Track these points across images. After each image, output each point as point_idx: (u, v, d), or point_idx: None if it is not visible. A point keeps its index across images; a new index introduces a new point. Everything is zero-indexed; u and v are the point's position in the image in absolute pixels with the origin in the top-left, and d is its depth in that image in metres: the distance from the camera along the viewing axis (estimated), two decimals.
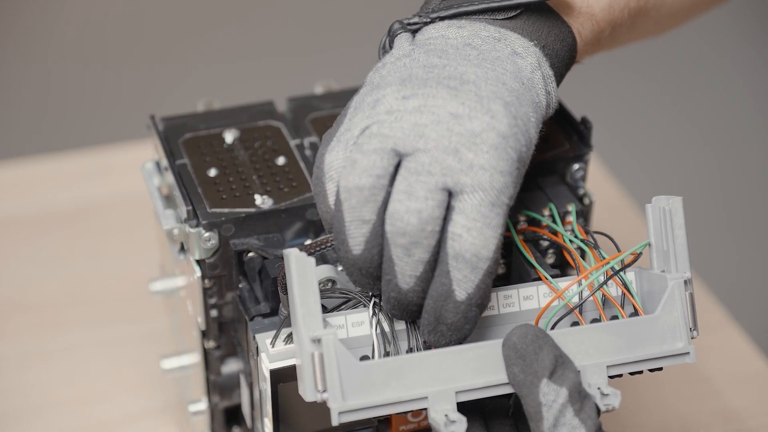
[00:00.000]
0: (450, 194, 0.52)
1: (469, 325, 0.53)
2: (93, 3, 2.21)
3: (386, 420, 0.63)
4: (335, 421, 0.52)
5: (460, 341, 0.54)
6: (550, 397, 0.52)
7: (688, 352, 0.56)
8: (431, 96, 0.53)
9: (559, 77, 0.60)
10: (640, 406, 0.84)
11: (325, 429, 0.62)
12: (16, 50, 2.09)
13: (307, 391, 0.52)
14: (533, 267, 0.61)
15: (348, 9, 2.23)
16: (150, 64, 2.07)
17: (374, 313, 0.56)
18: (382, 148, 0.52)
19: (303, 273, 0.53)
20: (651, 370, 0.57)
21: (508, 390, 0.54)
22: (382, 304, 0.55)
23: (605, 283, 0.58)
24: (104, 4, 2.21)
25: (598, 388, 0.54)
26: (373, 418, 0.53)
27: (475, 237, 0.51)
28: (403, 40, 0.59)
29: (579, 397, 0.53)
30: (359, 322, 0.56)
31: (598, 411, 0.54)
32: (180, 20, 2.18)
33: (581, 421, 0.52)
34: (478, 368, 0.53)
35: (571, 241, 0.62)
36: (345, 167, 0.53)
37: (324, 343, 0.52)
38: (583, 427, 0.52)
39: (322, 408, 0.59)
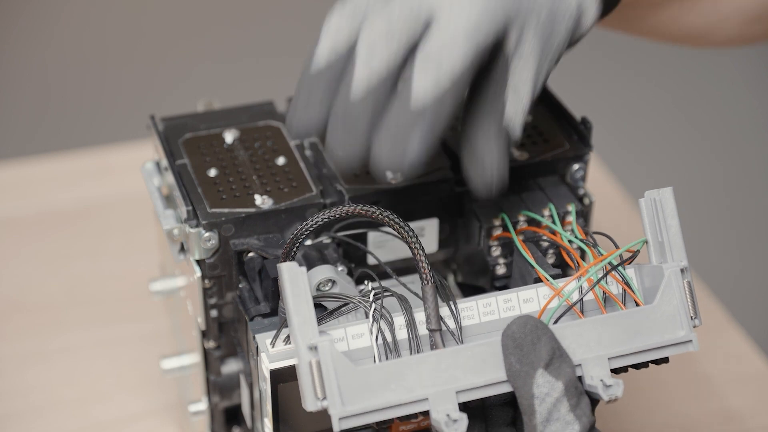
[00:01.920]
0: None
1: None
2: (93, 3, 2.21)
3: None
4: (336, 428, 0.52)
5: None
6: (545, 389, 0.52)
7: (691, 340, 0.56)
8: None
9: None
10: (641, 406, 0.84)
11: (325, 429, 0.62)
12: (17, 50, 2.09)
13: (308, 400, 0.52)
14: (533, 267, 0.61)
15: None
16: (150, 65, 2.07)
17: (374, 320, 0.56)
18: None
19: (295, 283, 0.53)
20: (656, 363, 0.56)
21: (508, 388, 0.54)
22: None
23: (603, 278, 0.58)
24: (105, 4, 2.21)
25: (601, 380, 0.54)
26: (375, 424, 0.53)
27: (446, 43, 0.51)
28: None
29: (575, 392, 0.52)
30: (359, 334, 0.56)
31: (593, 407, 0.54)
32: (180, 20, 2.18)
33: (576, 417, 0.52)
34: (478, 367, 0.53)
35: (570, 241, 0.62)
36: None
37: (320, 350, 0.52)
38: (578, 423, 0.51)
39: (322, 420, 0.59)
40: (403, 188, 0.66)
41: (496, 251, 0.66)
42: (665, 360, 0.56)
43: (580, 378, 0.54)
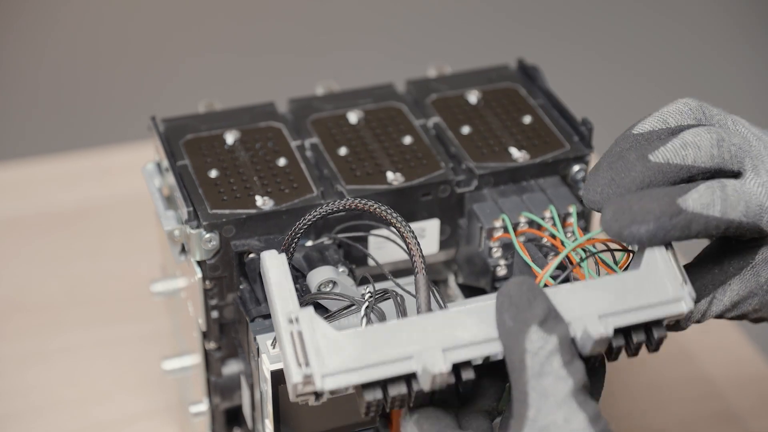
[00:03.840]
0: None
1: None
2: (93, 3, 2.21)
3: (387, 420, 0.63)
4: (319, 385, 0.50)
5: None
6: (538, 344, 0.50)
7: (682, 299, 0.55)
8: None
9: None
10: (641, 408, 0.84)
11: (327, 430, 0.62)
12: (17, 51, 2.09)
13: (292, 370, 0.51)
14: (530, 266, 0.61)
15: (349, 10, 2.23)
16: (150, 65, 2.07)
17: (365, 315, 0.56)
18: None
19: (274, 265, 0.53)
20: (650, 340, 0.55)
21: (497, 347, 0.52)
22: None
23: (591, 256, 0.58)
24: (105, 5, 2.21)
25: (592, 335, 0.52)
26: (361, 388, 0.52)
27: None
28: None
29: (569, 350, 0.51)
30: (351, 326, 0.56)
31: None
32: (181, 21, 2.18)
33: (569, 373, 0.50)
34: (467, 326, 0.52)
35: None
36: None
37: (301, 320, 0.51)
38: (571, 379, 0.50)
39: (323, 409, 0.59)
40: (404, 189, 0.66)
41: (496, 252, 0.66)
42: (660, 327, 0.55)
43: (573, 340, 0.53)
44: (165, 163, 0.69)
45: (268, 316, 0.62)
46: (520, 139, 0.70)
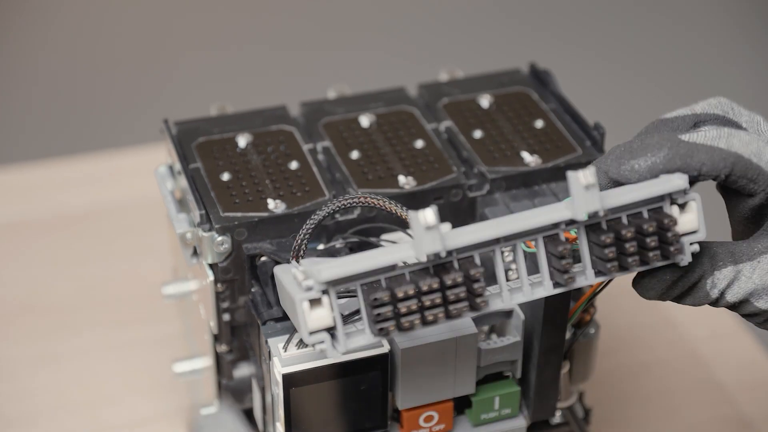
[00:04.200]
0: None
1: None
2: (107, 6, 2.22)
3: (398, 422, 0.63)
4: (317, 276, 0.50)
5: None
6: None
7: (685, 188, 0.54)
8: None
9: None
10: (652, 414, 0.84)
11: None
12: (30, 53, 2.10)
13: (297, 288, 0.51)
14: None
15: (361, 13, 2.23)
16: (163, 68, 2.08)
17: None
18: None
19: (284, 270, 0.54)
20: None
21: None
22: None
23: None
24: (118, 8, 2.21)
25: None
26: (363, 280, 0.51)
27: None
28: None
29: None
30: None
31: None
32: (193, 24, 2.19)
33: None
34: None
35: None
36: None
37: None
38: None
39: (335, 413, 0.59)
40: (416, 193, 0.66)
41: (508, 256, 0.66)
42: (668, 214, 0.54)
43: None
44: (177, 166, 0.69)
45: (279, 320, 0.62)
46: (532, 144, 0.70)
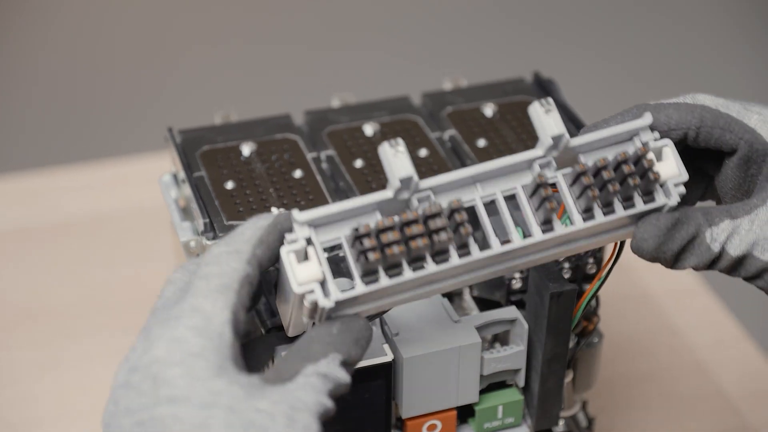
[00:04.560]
0: None
1: None
2: (111, 14, 2.22)
3: (401, 431, 0.63)
4: (297, 218, 0.51)
5: None
6: None
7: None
8: None
9: None
10: (656, 423, 0.84)
11: None
12: (33, 60, 2.10)
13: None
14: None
15: (365, 22, 2.23)
16: (167, 76, 2.08)
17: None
18: None
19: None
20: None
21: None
22: None
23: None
24: (122, 16, 2.22)
25: None
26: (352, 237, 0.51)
27: None
28: None
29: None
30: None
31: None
32: (198, 32, 2.19)
33: None
34: None
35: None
36: None
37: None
38: None
39: (338, 421, 0.59)
40: None
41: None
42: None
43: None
44: (181, 175, 0.69)
45: (283, 328, 0.62)
46: None
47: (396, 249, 0.51)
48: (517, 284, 0.66)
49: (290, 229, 0.52)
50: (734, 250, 0.55)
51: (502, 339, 0.65)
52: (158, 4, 2.25)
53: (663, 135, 0.55)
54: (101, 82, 2.06)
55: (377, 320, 0.62)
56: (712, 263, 0.56)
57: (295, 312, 0.53)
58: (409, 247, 0.51)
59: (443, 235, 0.51)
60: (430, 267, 0.52)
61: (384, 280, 0.51)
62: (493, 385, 0.65)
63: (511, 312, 0.64)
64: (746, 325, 0.96)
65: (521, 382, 0.65)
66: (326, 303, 0.51)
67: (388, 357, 0.60)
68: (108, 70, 2.08)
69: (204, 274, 0.52)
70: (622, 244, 0.59)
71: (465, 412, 0.65)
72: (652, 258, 0.56)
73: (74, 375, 0.87)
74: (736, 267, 0.56)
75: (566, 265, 0.67)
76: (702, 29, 2.22)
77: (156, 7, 2.24)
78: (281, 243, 0.52)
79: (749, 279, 0.57)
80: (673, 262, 0.56)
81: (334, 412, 0.51)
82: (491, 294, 0.68)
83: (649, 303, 0.94)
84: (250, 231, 0.53)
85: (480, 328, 0.62)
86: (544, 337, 0.62)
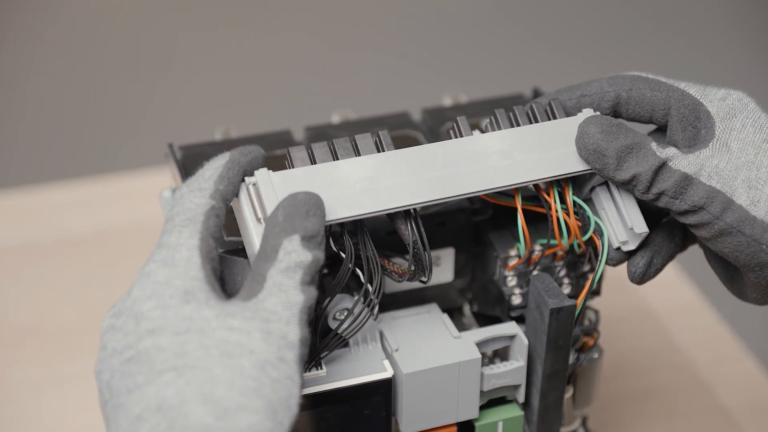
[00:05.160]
0: None
1: None
2: (112, 30, 2.23)
3: None
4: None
5: None
6: None
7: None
8: None
9: None
10: None
11: None
12: (34, 77, 2.10)
13: (249, 223, 0.54)
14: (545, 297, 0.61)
15: (365, 38, 2.24)
16: (168, 91, 2.08)
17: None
18: None
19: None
20: None
21: None
22: None
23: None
24: (123, 32, 2.22)
25: None
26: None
27: None
28: None
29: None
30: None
31: None
32: (198, 48, 2.19)
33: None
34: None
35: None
36: None
37: (257, 176, 0.55)
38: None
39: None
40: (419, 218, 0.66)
41: (511, 281, 0.66)
42: None
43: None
44: None
45: None
46: None
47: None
48: (516, 300, 0.66)
49: (248, 165, 0.56)
50: (681, 167, 0.56)
51: (502, 355, 0.65)
52: (159, 20, 2.25)
53: (597, 98, 0.60)
54: (102, 98, 2.06)
55: (377, 335, 0.62)
56: (656, 178, 0.57)
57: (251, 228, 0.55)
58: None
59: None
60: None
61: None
62: (493, 400, 0.65)
63: (511, 328, 0.64)
64: (747, 341, 0.96)
65: (521, 398, 0.65)
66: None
67: (388, 373, 0.60)
68: (109, 86, 2.09)
69: (170, 215, 0.54)
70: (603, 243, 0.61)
71: (465, 428, 0.65)
72: (596, 159, 0.57)
73: (75, 393, 0.87)
74: (681, 192, 0.56)
75: (566, 280, 0.67)
76: (705, 48, 2.22)
77: (157, 23, 2.24)
78: (241, 179, 0.55)
79: (687, 214, 0.57)
80: (616, 164, 0.57)
81: (317, 296, 0.52)
82: (491, 310, 0.68)
83: (650, 319, 0.94)
84: (210, 170, 0.55)
85: (480, 344, 0.62)
86: (544, 353, 0.62)
